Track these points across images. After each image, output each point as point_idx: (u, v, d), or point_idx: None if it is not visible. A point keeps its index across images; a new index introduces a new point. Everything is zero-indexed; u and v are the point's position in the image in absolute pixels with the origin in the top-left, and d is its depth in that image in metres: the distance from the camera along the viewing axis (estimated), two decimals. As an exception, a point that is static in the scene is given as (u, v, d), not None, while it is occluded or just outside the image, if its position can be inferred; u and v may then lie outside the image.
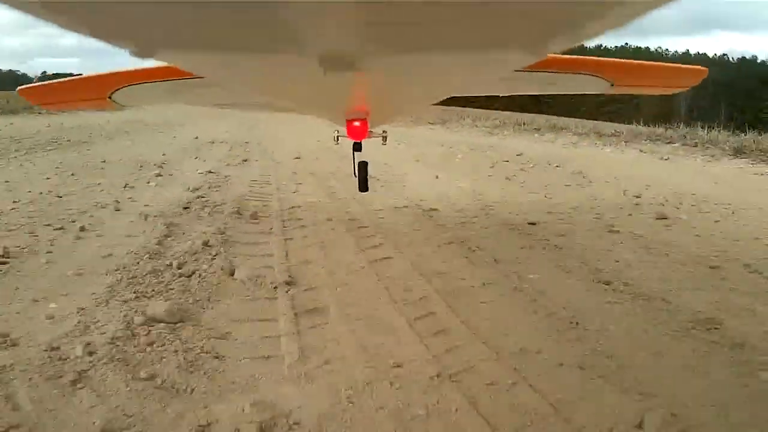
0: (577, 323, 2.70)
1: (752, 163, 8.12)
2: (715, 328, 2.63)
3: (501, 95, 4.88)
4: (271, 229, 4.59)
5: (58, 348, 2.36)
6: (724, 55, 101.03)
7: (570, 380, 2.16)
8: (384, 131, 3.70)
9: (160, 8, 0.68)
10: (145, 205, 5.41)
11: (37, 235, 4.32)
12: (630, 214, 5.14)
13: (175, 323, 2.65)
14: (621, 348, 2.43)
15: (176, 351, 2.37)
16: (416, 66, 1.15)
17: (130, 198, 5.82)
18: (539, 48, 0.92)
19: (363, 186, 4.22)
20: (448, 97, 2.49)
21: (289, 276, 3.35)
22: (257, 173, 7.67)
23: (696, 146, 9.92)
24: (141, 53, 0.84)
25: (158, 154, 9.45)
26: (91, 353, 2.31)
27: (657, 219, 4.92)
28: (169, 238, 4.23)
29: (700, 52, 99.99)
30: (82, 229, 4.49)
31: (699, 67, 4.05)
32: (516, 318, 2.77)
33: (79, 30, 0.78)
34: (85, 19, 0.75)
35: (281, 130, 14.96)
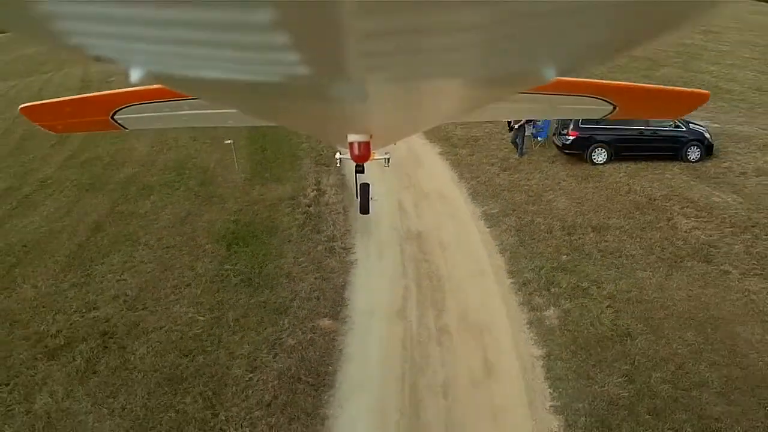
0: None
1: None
2: None
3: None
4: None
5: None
6: None
7: None
8: (387, 153, 3.75)
9: (157, 32, 0.68)
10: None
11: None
12: None
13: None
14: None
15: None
16: (420, 90, 1.12)
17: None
18: (547, 70, 0.89)
19: (365, 209, 4.26)
20: (452, 120, 2.71)
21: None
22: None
23: None
24: (139, 77, 0.82)
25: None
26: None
27: None
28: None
29: None
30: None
31: (701, 90, 4.09)
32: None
33: (78, 52, 0.77)
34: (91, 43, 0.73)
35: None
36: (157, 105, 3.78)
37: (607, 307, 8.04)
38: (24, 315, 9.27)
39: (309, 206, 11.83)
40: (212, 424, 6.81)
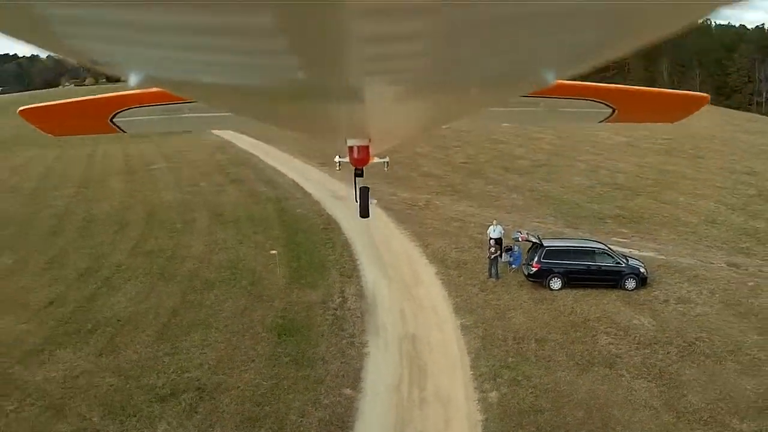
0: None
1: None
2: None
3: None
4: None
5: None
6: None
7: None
8: (386, 157, 3.72)
9: (158, 38, 0.71)
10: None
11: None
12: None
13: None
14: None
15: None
16: (418, 96, 1.19)
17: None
18: (548, 74, 0.94)
19: (364, 212, 4.33)
20: (449, 124, 3.05)
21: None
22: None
23: None
24: (139, 82, 0.86)
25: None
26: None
27: None
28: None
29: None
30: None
31: (700, 94, 4.20)
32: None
33: (78, 58, 0.82)
34: (90, 49, 0.77)
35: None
36: (155, 108, 3.82)
37: (530, 393, 12.32)
38: (133, 372, 13.54)
39: (336, 310, 16.37)
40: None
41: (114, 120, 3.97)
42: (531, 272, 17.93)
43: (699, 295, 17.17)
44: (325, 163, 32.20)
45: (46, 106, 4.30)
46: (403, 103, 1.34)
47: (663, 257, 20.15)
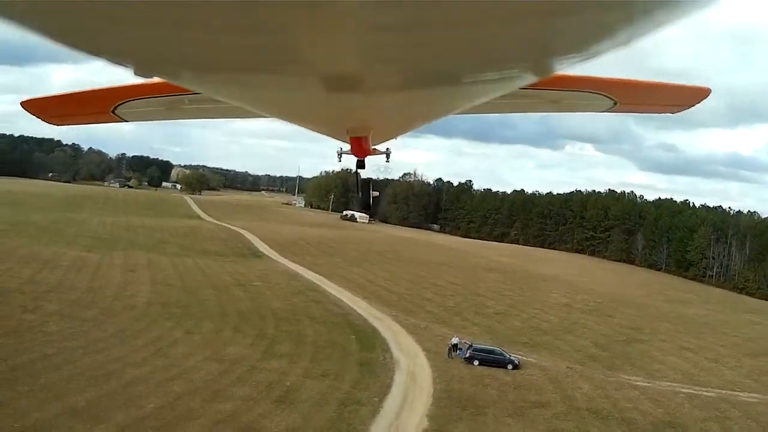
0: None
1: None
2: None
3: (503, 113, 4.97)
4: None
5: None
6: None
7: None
8: (388, 148, 3.85)
9: (163, 29, 0.71)
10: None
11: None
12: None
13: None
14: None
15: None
16: (421, 86, 1.22)
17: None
18: (546, 66, 0.97)
19: (365, 204, 4.63)
20: (451, 114, 2.68)
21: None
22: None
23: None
24: (142, 73, 0.86)
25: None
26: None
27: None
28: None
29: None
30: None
31: (702, 86, 4.35)
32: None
33: (84, 49, 0.82)
34: (88, 38, 0.77)
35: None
36: (157, 99, 3.98)
37: (458, 386, 35.55)
38: None
39: (382, 360, 39.77)
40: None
41: (116, 111, 4.08)
42: (466, 357, 41.38)
43: (535, 375, 40.52)
44: (368, 297, 57.01)
45: (49, 97, 4.53)
46: (403, 95, 1.42)
47: (532, 360, 43.58)
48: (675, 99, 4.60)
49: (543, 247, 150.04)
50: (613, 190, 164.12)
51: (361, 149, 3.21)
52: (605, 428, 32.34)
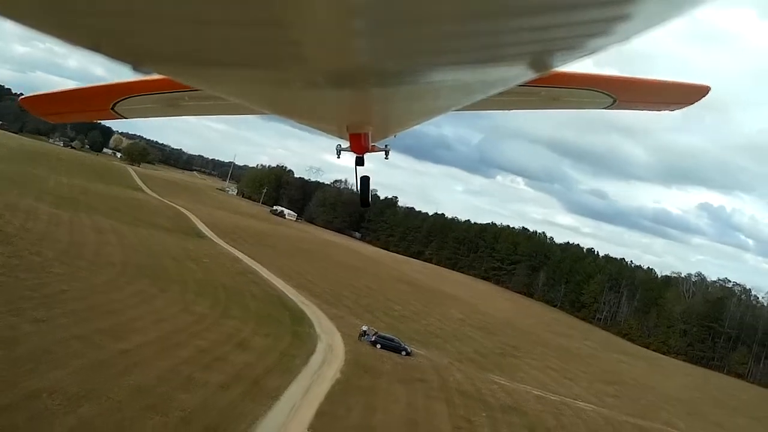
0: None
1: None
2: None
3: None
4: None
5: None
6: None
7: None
8: (387, 146, 3.77)
9: (162, 25, 0.71)
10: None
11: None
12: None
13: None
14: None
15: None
16: (420, 81, 1.20)
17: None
18: (544, 63, 0.94)
19: (365, 202, 4.53)
20: (450, 111, 2.65)
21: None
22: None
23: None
24: (141, 68, 0.86)
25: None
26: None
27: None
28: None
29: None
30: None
31: (701, 84, 4.31)
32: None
33: (81, 45, 0.81)
34: (88, 35, 0.77)
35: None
36: (157, 96, 3.97)
37: (354, 354, 48.66)
38: None
39: (308, 331, 52.47)
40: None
41: (115, 108, 4.07)
42: (371, 341, 54.70)
43: (422, 362, 54.02)
44: (297, 286, 69.73)
45: (47, 94, 4.49)
46: (404, 90, 1.42)
47: (422, 353, 57.10)
48: (674, 97, 4.65)
49: (453, 270, 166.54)
50: (526, 228, 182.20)
51: (360, 146, 3.28)
52: (465, 401, 45.93)
